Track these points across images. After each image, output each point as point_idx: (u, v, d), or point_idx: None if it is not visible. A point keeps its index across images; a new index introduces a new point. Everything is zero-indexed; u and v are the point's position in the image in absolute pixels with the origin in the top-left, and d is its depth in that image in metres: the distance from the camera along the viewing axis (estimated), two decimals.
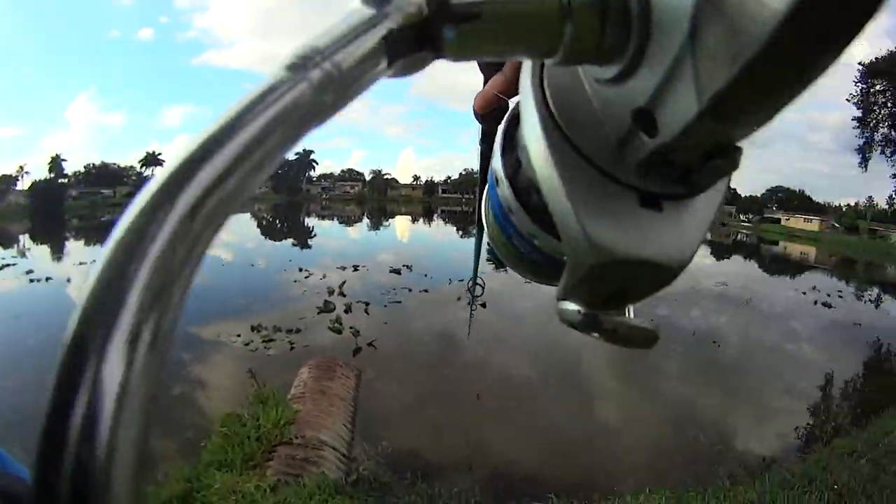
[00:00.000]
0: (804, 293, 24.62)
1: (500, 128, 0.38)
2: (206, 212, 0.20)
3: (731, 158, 0.27)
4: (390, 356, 10.47)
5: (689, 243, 0.31)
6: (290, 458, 5.23)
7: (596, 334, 0.36)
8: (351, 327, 11.40)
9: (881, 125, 31.70)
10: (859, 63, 32.43)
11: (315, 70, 0.23)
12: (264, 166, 0.22)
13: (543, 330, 13.11)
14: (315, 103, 0.23)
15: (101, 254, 0.19)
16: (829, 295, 24.36)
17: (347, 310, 13.13)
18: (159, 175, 0.20)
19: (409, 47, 0.26)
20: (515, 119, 0.36)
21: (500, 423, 8.23)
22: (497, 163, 0.38)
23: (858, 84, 31.83)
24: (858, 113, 32.27)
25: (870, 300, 26.79)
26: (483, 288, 1.50)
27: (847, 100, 32.52)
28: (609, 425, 8.83)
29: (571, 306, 0.36)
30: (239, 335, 10.68)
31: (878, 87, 31.17)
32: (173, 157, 0.21)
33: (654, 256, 0.30)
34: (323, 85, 0.23)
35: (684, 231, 0.31)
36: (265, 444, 5.30)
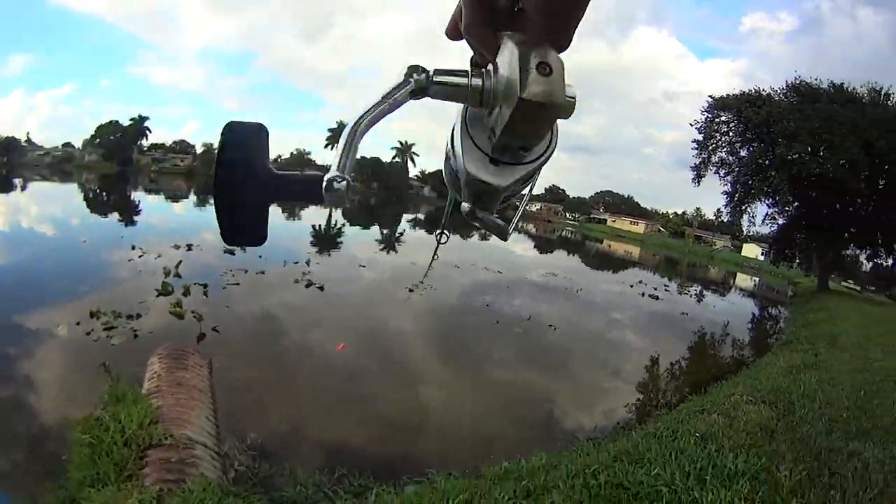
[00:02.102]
0: (631, 286, 27.27)
1: (458, 124, 0.68)
2: (366, 122, 0.61)
3: (524, 151, 0.62)
4: (235, 341, 10.18)
5: (506, 181, 0.63)
6: (166, 462, 4.77)
7: (475, 221, 0.72)
8: (193, 311, 10.82)
9: (719, 150, 35.25)
10: (709, 96, 36.40)
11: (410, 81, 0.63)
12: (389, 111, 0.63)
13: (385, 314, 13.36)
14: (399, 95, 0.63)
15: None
16: (655, 288, 27.42)
17: (186, 292, 12.43)
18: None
19: (417, 94, 0.63)
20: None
21: (357, 404, 8.35)
22: (448, 144, 0.72)
23: (704, 113, 35.41)
24: (699, 137, 35.69)
25: (693, 294, 29.53)
26: (448, 237, 1.63)
27: (690, 124, 36.61)
28: (471, 402, 9.22)
29: (466, 206, 0.71)
30: (78, 323, 9.72)
31: (722, 118, 34.78)
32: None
33: (486, 179, 0.62)
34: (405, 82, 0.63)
35: (507, 176, 0.63)
36: (135, 450, 4.75)
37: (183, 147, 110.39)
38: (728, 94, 35.84)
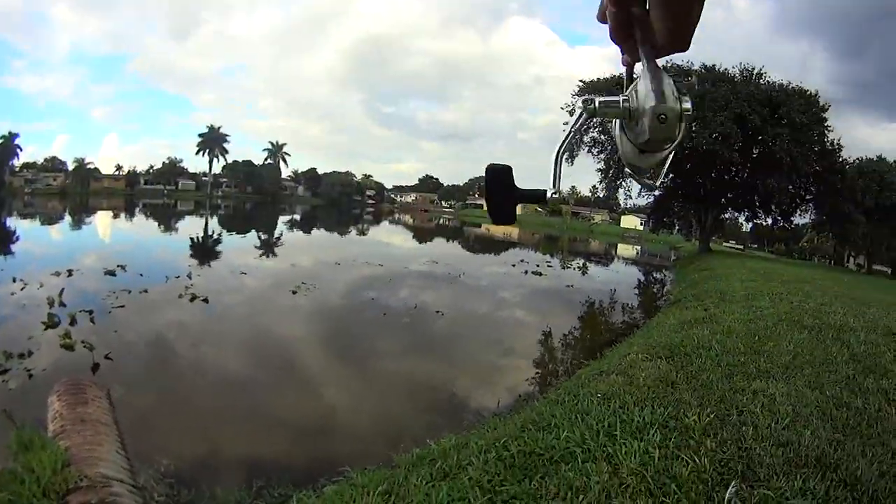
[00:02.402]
0: (514, 265, 28.35)
1: (617, 126, 0.95)
2: (565, 147, 0.94)
3: (661, 148, 0.86)
4: (129, 366, 9.89)
5: (653, 162, 0.92)
6: None
7: (635, 179, 1.05)
8: (83, 341, 10.39)
9: (592, 130, 36.37)
10: (580, 80, 37.60)
11: (579, 109, 0.88)
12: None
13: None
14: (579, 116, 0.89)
15: None
16: (538, 265, 28.56)
17: (73, 321, 11.97)
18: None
19: (590, 117, 0.88)
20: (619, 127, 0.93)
21: (261, 414, 8.39)
22: (616, 128, 0.95)
23: (575, 96, 36.50)
24: (571, 119, 36.65)
25: (577, 268, 30.61)
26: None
27: (562, 108, 37.84)
28: (373, 397, 9.49)
29: (629, 171, 1.00)
30: None
31: None
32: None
33: (637, 164, 0.93)
34: (580, 110, 0.88)
35: (650, 160, 0.90)
36: (55, 498, 4.62)
37: (55, 165, 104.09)
38: (598, 79, 37.32)
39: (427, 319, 14.42)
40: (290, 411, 8.50)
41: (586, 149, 37.95)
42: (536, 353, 12.18)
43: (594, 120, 0.92)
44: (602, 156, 37.54)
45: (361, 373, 10.59)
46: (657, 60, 0.81)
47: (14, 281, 16.23)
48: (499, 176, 1.00)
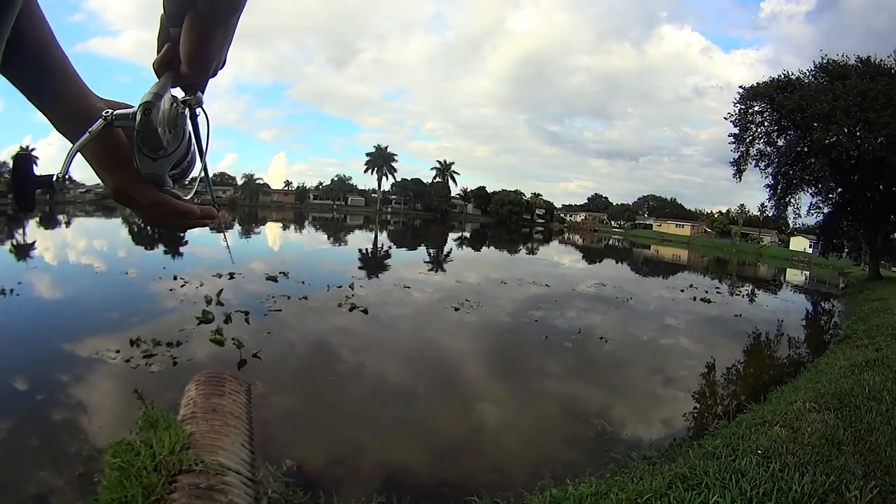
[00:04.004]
0: (682, 291, 26.77)
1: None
2: None
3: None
4: (276, 366, 9.96)
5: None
6: (195, 488, 4.65)
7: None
8: (233, 338, 10.70)
9: (757, 141, 34.12)
10: (739, 86, 35.07)
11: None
12: None
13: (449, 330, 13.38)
14: None
15: None
16: (706, 292, 26.79)
17: (227, 320, 12.39)
18: None
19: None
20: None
21: (404, 427, 8.08)
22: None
23: (737, 105, 34.22)
24: (735, 130, 34.50)
25: (745, 295, 29.10)
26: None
27: (725, 118, 35.35)
28: (521, 421, 8.88)
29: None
30: (118, 351, 9.76)
31: (756, 108, 33.58)
32: None
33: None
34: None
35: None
36: (164, 475, 4.67)
37: (224, 179, 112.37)
38: (758, 83, 34.82)
39: (590, 345, 13.61)
40: (428, 427, 8.15)
41: (753, 162, 35.42)
42: (697, 387, 11.06)
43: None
44: (769, 170, 34.67)
45: (510, 395, 10.03)
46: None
47: (175, 279, 17.30)
48: (21, 163, 0.93)
